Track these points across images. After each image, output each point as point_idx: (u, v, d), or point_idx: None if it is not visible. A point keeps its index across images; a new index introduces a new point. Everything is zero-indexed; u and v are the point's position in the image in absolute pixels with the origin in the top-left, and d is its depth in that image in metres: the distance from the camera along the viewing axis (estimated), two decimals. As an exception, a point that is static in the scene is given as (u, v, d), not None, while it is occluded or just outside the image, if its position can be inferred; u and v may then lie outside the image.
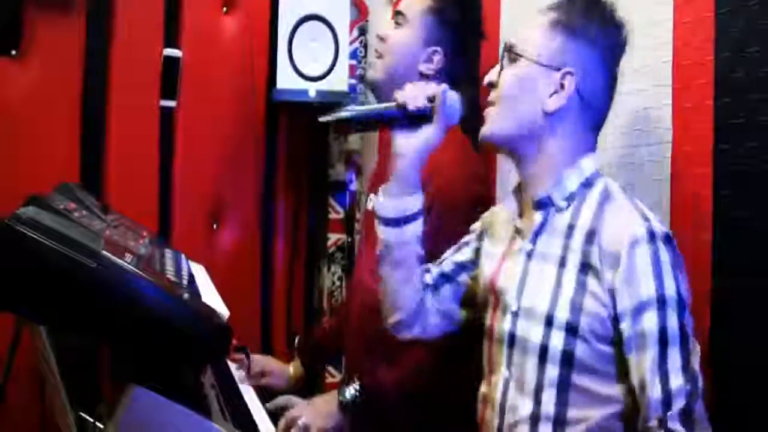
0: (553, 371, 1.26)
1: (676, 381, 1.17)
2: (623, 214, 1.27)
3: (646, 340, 1.19)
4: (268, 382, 2.06)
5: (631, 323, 1.20)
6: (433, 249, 1.72)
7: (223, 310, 1.54)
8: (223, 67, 2.62)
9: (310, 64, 2.46)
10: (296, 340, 2.35)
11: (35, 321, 1.49)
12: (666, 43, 1.50)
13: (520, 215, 1.41)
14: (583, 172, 1.34)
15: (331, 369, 2.77)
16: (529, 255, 1.36)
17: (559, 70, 1.33)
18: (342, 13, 2.47)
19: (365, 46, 2.71)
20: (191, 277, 1.73)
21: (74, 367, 1.48)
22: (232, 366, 2.01)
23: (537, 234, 1.35)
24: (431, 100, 1.39)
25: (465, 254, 1.57)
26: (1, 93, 2.25)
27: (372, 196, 1.94)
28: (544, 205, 1.35)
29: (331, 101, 2.49)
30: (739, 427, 1.34)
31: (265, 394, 1.96)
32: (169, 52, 2.46)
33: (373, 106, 1.45)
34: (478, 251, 1.54)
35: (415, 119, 1.39)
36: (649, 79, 1.55)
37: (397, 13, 1.94)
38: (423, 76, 1.87)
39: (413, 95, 1.39)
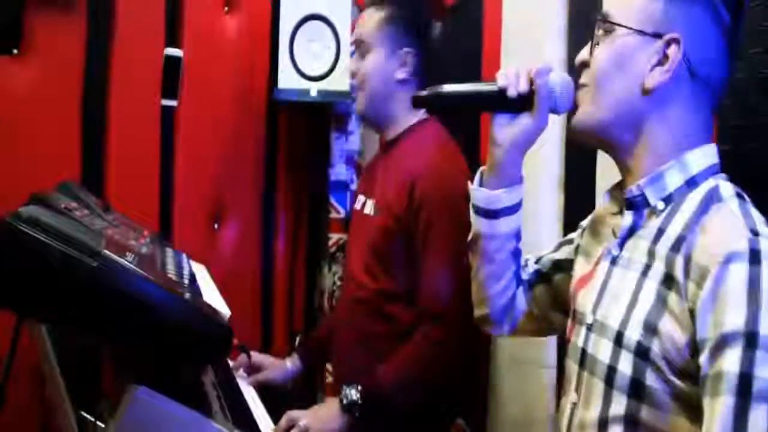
0: (620, 400, 1.06)
1: None
2: (726, 222, 1.02)
3: (722, 385, 0.93)
4: (265, 376, 2.05)
5: (709, 358, 0.96)
6: (426, 250, 1.74)
7: (224, 310, 1.54)
8: (225, 66, 2.63)
9: (311, 63, 2.46)
10: (297, 340, 2.36)
11: (36, 320, 1.49)
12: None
13: (620, 213, 1.21)
14: (689, 167, 1.10)
15: (330, 368, 2.77)
16: (614, 261, 1.16)
17: (661, 36, 1.10)
18: (343, 12, 2.47)
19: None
20: (192, 276, 1.73)
21: (75, 366, 1.48)
22: (233, 365, 2.01)
23: (625, 238, 1.15)
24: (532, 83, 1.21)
25: (565, 252, 1.40)
26: (3, 92, 2.25)
27: (362, 197, 1.98)
28: (636, 205, 1.13)
29: (332, 101, 2.50)
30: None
31: (266, 394, 1.96)
32: (170, 51, 2.46)
33: (472, 85, 1.27)
34: (578, 249, 1.34)
35: (515, 105, 1.22)
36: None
37: (357, 44, 1.96)
38: (402, 83, 1.90)
39: (515, 78, 1.21)
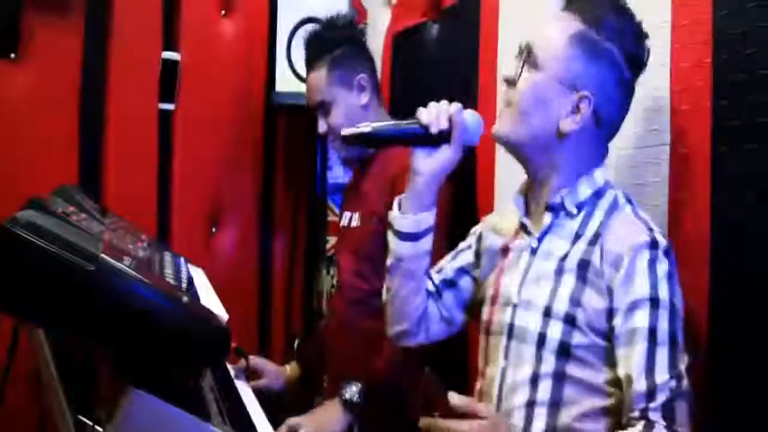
0: (549, 359, 1.31)
1: (661, 377, 1.21)
2: (628, 223, 1.33)
3: (635, 336, 1.24)
4: (265, 384, 2.08)
5: (623, 319, 1.26)
6: None
7: (222, 313, 1.54)
8: (222, 70, 2.63)
9: (308, 67, 2.45)
10: (295, 343, 2.35)
11: (33, 324, 1.49)
12: (664, 44, 1.51)
13: (526, 214, 1.46)
14: (596, 182, 1.39)
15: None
16: (534, 252, 1.41)
17: (576, 91, 1.35)
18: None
19: (364, 49, 2.71)
20: (190, 280, 1.72)
21: (72, 370, 1.48)
22: (231, 369, 2.01)
23: (544, 234, 1.41)
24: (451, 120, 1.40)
25: (464, 258, 1.61)
26: (0, 95, 2.25)
27: (347, 214, 2.05)
28: (555, 208, 1.39)
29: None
30: (738, 427, 1.34)
31: (263, 398, 1.96)
32: (168, 55, 2.47)
33: (395, 123, 1.46)
34: (478, 253, 1.58)
35: (435, 139, 1.40)
36: (646, 81, 1.55)
37: (318, 108, 2.08)
38: (366, 106, 2.05)
39: (436, 117, 1.40)
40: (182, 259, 1.86)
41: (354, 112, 2.03)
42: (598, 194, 1.39)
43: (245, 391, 1.92)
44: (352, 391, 1.74)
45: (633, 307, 1.25)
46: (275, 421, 1.77)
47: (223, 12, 2.64)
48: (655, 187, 1.52)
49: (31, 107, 2.29)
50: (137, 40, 2.45)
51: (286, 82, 2.48)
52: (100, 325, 1.31)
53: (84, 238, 1.36)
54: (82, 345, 1.54)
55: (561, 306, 1.32)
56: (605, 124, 1.38)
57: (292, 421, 1.73)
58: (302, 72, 2.44)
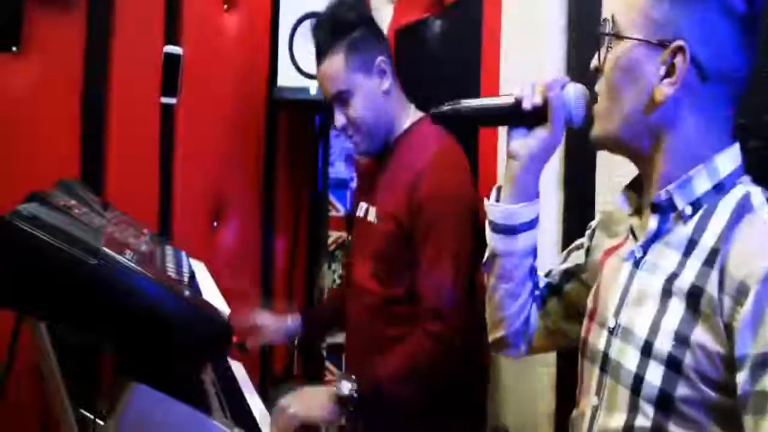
0: (647, 411, 1.03)
1: None
2: (761, 234, 0.99)
3: (767, 404, 0.92)
4: (265, 341, 2.10)
5: (751, 376, 0.93)
6: (421, 257, 1.74)
7: (223, 308, 1.54)
8: (224, 64, 2.63)
9: (310, 61, 2.44)
10: (295, 340, 2.35)
11: (35, 317, 1.49)
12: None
13: (636, 214, 1.18)
14: (718, 171, 1.06)
15: (331, 367, 2.78)
16: (637, 264, 1.12)
17: (666, 46, 1.05)
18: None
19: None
20: (192, 274, 1.73)
21: (74, 363, 1.48)
22: (233, 363, 2.01)
23: (650, 242, 1.11)
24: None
25: (573, 259, 1.37)
26: (2, 89, 2.25)
27: (363, 204, 1.95)
28: (663, 208, 1.09)
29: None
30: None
31: (265, 391, 1.96)
32: (170, 49, 2.46)
33: (489, 99, 1.29)
34: (589, 251, 1.32)
35: (531, 117, 1.21)
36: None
37: (335, 98, 1.89)
38: (387, 92, 1.88)
39: (530, 88, 1.21)
40: (184, 254, 1.86)
41: (376, 99, 1.87)
42: (720, 188, 1.06)
43: (246, 386, 1.92)
44: (344, 386, 1.68)
45: (765, 362, 0.92)
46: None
47: (225, 6, 2.63)
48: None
49: (33, 101, 2.28)
50: (139, 34, 2.44)
51: (288, 77, 2.47)
52: (101, 318, 1.31)
53: (86, 231, 1.36)
54: (84, 339, 1.54)
55: (664, 343, 1.02)
56: (716, 77, 1.05)
57: (282, 403, 1.68)
58: (304, 67, 2.45)
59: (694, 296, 1.00)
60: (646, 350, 1.04)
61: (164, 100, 2.48)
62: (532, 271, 1.33)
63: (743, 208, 1.03)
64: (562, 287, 1.36)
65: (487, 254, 1.33)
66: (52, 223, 1.28)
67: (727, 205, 1.04)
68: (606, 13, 1.14)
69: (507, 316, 1.33)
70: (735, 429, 0.96)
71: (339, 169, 2.85)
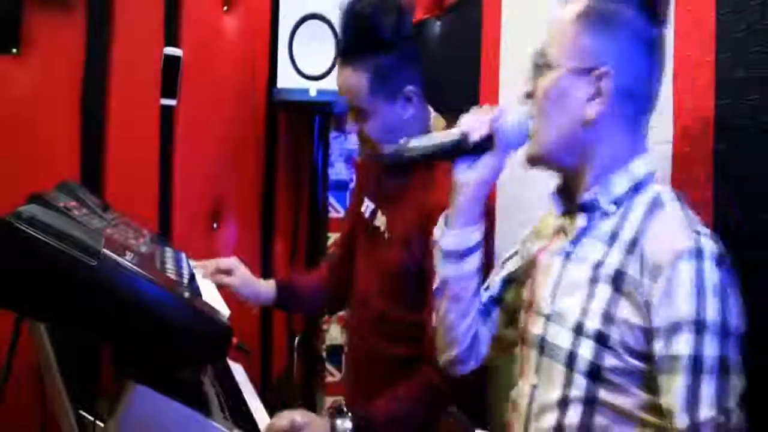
0: (580, 382, 1.18)
1: (706, 413, 1.07)
2: (672, 225, 1.17)
3: (676, 365, 1.09)
4: (233, 283, 1.95)
5: (664, 343, 1.11)
6: (429, 269, 1.71)
7: (223, 309, 1.54)
8: (224, 66, 2.63)
9: (310, 63, 2.46)
10: (296, 339, 2.35)
11: (35, 319, 1.49)
12: (666, 43, 1.50)
13: (564, 215, 1.32)
14: (634, 175, 1.23)
15: (331, 368, 2.78)
16: (567, 256, 1.27)
17: (592, 72, 1.20)
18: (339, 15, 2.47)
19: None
20: (192, 275, 1.73)
21: (74, 365, 1.48)
22: (232, 364, 2.01)
23: (579, 237, 1.26)
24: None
25: (509, 267, 1.48)
26: (2, 91, 2.25)
27: (369, 204, 1.90)
28: (589, 208, 1.25)
29: (331, 100, 2.50)
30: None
31: (265, 392, 1.96)
32: (170, 50, 2.47)
33: (434, 138, 1.36)
34: (522, 258, 1.45)
35: (478, 148, 1.30)
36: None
37: (352, 109, 1.78)
38: (408, 121, 1.76)
39: (476, 124, 1.30)
40: (184, 255, 1.86)
41: (395, 126, 1.74)
42: (637, 188, 1.22)
43: (247, 387, 1.92)
44: (341, 424, 1.63)
45: (675, 329, 1.10)
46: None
47: (225, 8, 2.64)
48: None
49: (33, 103, 2.29)
50: (139, 36, 2.44)
51: (287, 78, 2.47)
52: (101, 320, 1.31)
53: (86, 233, 1.36)
54: (84, 340, 1.54)
55: (593, 322, 1.18)
56: (636, 97, 1.22)
57: (280, 422, 1.64)
58: (303, 68, 2.45)
59: (617, 279, 1.17)
60: (578, 330, 1.19)
61: (164, 101, 2.48)
62: (477, 289, 1.43)
63: (655, 204, 1.20)
64: (503, 296, 1.47)
65: (438, 282, 1.41)
66: (52, 225, 1.28)
67: (642, 203, 1.21)
68: (538, 45, 1.27)
69: (458, 335, 1.42)
70: (653, 390, 1.13)
71: (339, 171, 2.85)
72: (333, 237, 2.78)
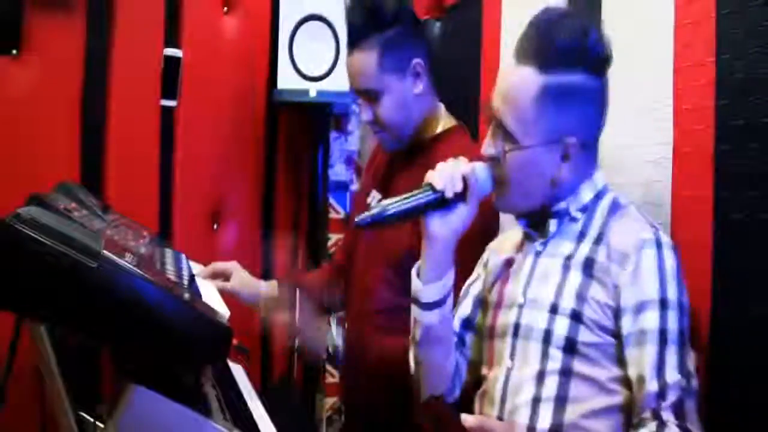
0: (556, 356, 1.30)
1: (672, 376, 1.22)
2: (632, 222, 1.35)
3: (646, 337, 1.25)
4: (231, 288, 1.96)
5: (632, 320, 1.26)
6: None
7: (223, 311, 1.54)
8: (224, 67, 2.63)
9: (310, 64, 2.46)
10: (296, 341, 2.35)
11: (35, 320, 1.49)
12: (666, 44, 1.50)
13: (530, 226, 1.44)
14: (596, 185, 1.40)
15: (331, 369, 2.78)
16: (538, 254, 1.41)
17: (560, 140, 1.33)
18: (342, 12, 2.46)
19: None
20: (192, 277, 1.72)
21: (74, 366, 1.48)
22: (232, 365, 2.01)
23: (549, 239, 1.41)
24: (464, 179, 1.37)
25: (475, 288, 1.56)
26: (2, 92, 2.25)
27: (376, 194, 1.88)
28: (560, 214, 1.40)
29: (331, 101, 2.50)
30: (740, 426, 1.35)
31: (265, 393, 1.96)
32: (170, 51, 2.47)
33: (409, 197, 1.38)
34: (486, 277, 1.54)
35: (452, 202, 1.36)
36: (649, 80, 1.55)
37: (362, 95, 1.83)
38: (418, 95, 1.80)
39: (450, 180, 1.36)
40: (184, 256, 1.86)
41: (407, 102, 1.79)
42: (598, 196, 1.40)
43: (247, 388, 1.92)
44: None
45: (642, 307, 1.26)
46: (275, 415, 1.76)
47: (225, 9, 2.64)
48: (658, 186, 1.52)
49: (33, 104, 2.29)
50: (139, 37, 2.45)
51: (287, 79, 2.47)
52: (101, 321, 1.31)
53: (86, 234, 1.36)
54: (84, 341, 1.54)
55: (567, 302, 1.31)
56: (593, 143, 1.39)
57: None
58: (304, 69, 2.45)
59: (588, 266, 1.32)
60: (553, 309, 1.33)
61: (164, 102, 2.48)
62: (453, 329, 1.51)
63: (615, 206, 1.39)
64: (473, 319, 1.54)
65: (419, 332, 1.44)
66: (51, 226, 1.27)
67: (603, 207, 1.39)
68: (493, 105, 1.37)
69: (444, 374, 1.50)
70: (622, 364, 1.27)
71: (339, 172, 2.85)
72: (333, 238, 2.78)
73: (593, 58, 1.33)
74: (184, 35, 2.52)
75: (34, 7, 2.27)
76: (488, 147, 1.39)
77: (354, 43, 1.81)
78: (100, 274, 1.27)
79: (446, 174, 1.36)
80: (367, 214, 1.36)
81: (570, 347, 1.29)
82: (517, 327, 1.38)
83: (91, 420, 1.35)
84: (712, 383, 1.37)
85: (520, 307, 1.38)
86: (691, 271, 1.34)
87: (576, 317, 1.30)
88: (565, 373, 1.29)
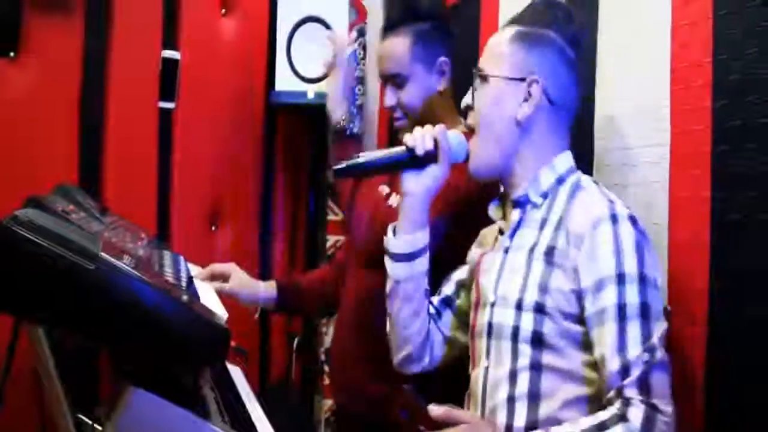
0: (525, 351, 1.32)
1: (633, 351, 1.22)
2: (589, 201, 1.35)
3: (605, 315, 1.25)
4: (230, 289, 1.98)
5: (592, 300, 1.27)
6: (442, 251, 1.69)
7: (221, 312, 1.54)
8: (222, 68, 2.63)
9: (308, 65, 2.46)
10: (295, 342, 2.35)
11: (33, 322, 1.49)
12: (664, 44, 1.51)
13: (503, 218, 1.49)
14: (557, 169, 1.42)
15: (327, 368, 2.77)
16: (506, 250, 1.43)
17: (524, 80, 1.40)
18: (340, 14, 2.47)
19: (364, 48, 2.71)
20: (190, 278, 1.72)
21: (72, 368, 1.48)
22: (231, 367, 2.01)
23: (515, 230, 1.43)
24: (436, 141, 1.45)
25: (459, 274, 1.62)
26: (0, 94, 2.25)
27: (386, 188, 1.89)
28: (521, 203, 1.43)
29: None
30: (738, 426, 1.35)
31: (263, 395, 1.96)
32: (168, 53, 2.47)
33: (383, 152, 1.52)
34: (469, 266, 1.59)
35: (423, 160, 1.46)
36: (646, 80, 1.55)
37: (388, 79, 1.89)
38: (441, 92, 1.87)
39: (421, 139, 1.45)
40: (182, 258, 1.86)
41: (430, 93, 1.87)
42: (560, 181, 1.41)
43: (245, 390, 1.92)
44: None
45: (600, 286, 1.26)
46: (273, 417, 1.76)
47: (223, 11, 2.64)
48: (656, 187, 1.52)
49: (31, 106, 2.28)
50: (137, 39, 2.44)
51: (286, 81, 2.47)
52: (99, 323, 1.31)
53: (84, 236, 1.36)
54: (82, 343, 1.54)
55: (531, 296, 1.33)
56: (559, 103, 1.42)
57: None
58: (302, 71, 2.45)
59: (549, 254, 1.34)
60: (519, 306, 1.34)
61: (162, 104, 2.48)
62: (427, 291, 1.55)
63: (576, 188, 1.40)
64: (454, 300, 1.61)
65: (389, 284, 1.53)
66: (49, 228, 1.27)
67: (564, 191, 1.40)
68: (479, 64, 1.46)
69: (411, 334, 1.55)
70: (588, 349, 1.28)
71: (337, 173, 2.85)
72: (331, 239, 2.78)
73: (566, 29, 1.44)
74: (182, 37, 2.52)
75: (32, 8, 2.27)
76: (465, 98, 1.49)
77: (388, 28, 1.90)
78: (97, 276, 1.27)
79: (418, 134, 1.46)
80: (343, 162, 1.47)
81: (537, 340, 1.31)
82: (490, 326, 1.40)
83: (90, 422, 1.35)
84: (709, 383, 1.37)
85: (492, 305, 1.41)
86: (689, 272, 1.34)
87: (539, 310, 1.31)
88: (535, 368, 1.31)
